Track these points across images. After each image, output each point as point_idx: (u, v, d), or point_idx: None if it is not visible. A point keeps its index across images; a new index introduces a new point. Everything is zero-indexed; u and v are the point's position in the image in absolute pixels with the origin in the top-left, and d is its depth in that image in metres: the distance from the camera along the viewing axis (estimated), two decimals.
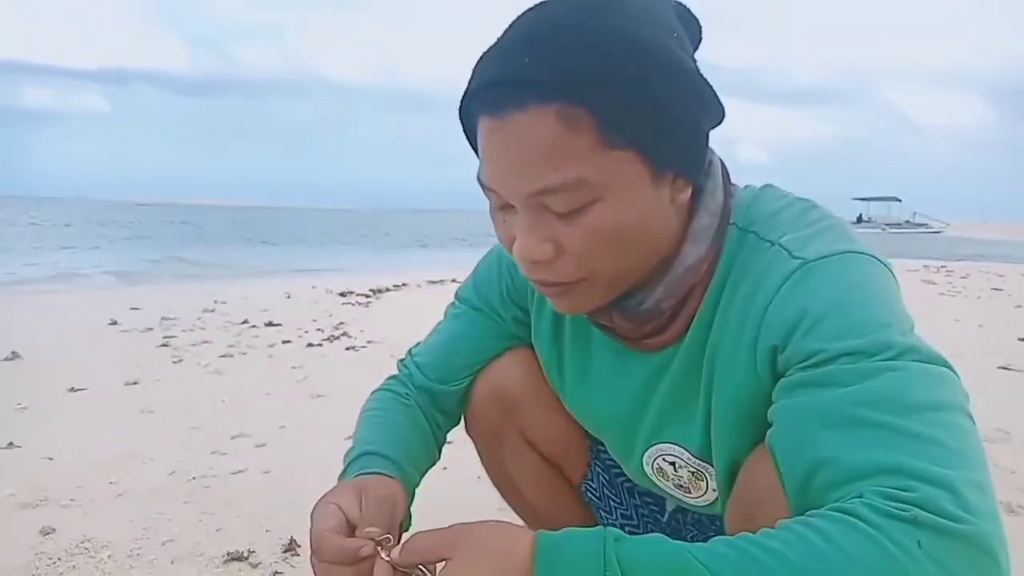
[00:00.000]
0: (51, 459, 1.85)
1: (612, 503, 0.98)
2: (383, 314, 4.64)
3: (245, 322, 4.09)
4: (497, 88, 0.59)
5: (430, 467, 0.86)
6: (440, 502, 0.94)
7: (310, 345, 3.49)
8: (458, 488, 1.47)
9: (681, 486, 0.81)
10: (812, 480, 0.54)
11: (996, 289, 6.67)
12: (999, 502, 0.52)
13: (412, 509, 0.77)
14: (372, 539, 0.61)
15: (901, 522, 0.47)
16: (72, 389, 2.57)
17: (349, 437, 0.83)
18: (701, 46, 0.67)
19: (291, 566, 1.31)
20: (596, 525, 0.98)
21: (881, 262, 0.64)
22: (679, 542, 0.51)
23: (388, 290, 6.01)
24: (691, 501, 0.82)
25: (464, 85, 0.63)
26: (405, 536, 0.58)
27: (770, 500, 0.58)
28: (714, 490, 0.77)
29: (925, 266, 9.71)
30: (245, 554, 1.33)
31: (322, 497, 0.67)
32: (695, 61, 0.64)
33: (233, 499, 1.61)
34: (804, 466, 0.55)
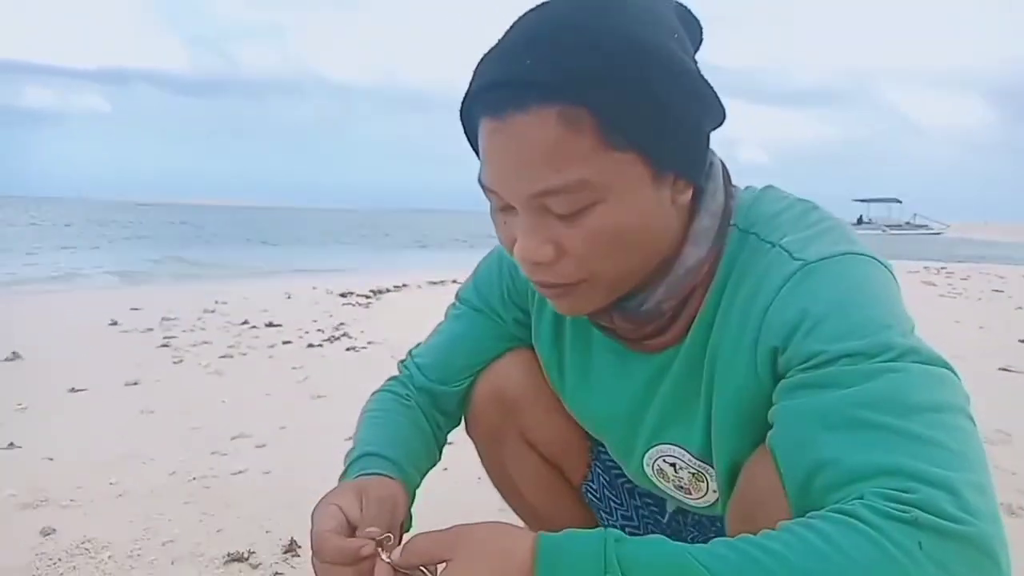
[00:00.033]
0: (51, 459, 1.85)
1: (612, 504, 0.98)
2: (383, 315, 4.64)
3: (245, 322, 4.09)
4: (498, 89, 0.59)
5: (431, 468, 0.86)
6: (441, 503, 0.94)
7: (310, 346, 3.49)
8: (459, 489, 1.47)
9: (681, 487, 0.81)
10: (812, 481, 0.54)
11: (997, 291, 6.67)
12: (1000, 504, 0.52)
13: (413, 510, 0.77)
14: (373, 539, 0.61)
15: (902, 523, 0.47)
16: (72, 389, 2.57)
17: (349, 438, 0.83)
18: (702, 47, 0.67)
19: (291, 567, 1.31)
20: (597, 526, 0.98)
21: (881, 263, 0.64)
22: (679, 543, 0.51)
23: (388, 291, 6.01)
24: (691, 502, 0.82)
25: (465, 85, 0.63)
26: (406, 537, 0.58)
27: (771, 501, 0.58)
28: (714, 491, 0.77)
29: (925, 267, 9.72)
30: (245, 555, 1.33)
31: (322, 498, 0.68)
32: (696, 62, 0.64)
33: (233, 500, 1.61)
34: (804, 467, 0.55)
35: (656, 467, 0.81)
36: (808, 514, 0.51)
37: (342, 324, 4.11)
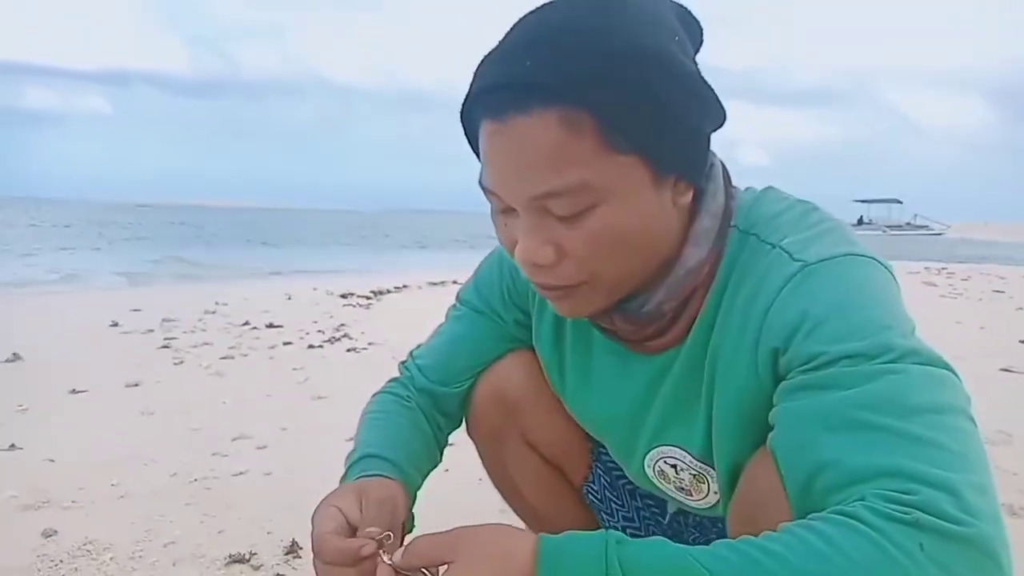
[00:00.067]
0: (52, 461, 1.85)
1: (613, 505, 0.98)
2: (384, 316, 4.64)
3: (246, 323, 4.09)
4: (499, 91, 0.59)
5: (432, 469, 0.86)
6: (442, 504, 0.94)
7: (311, 347, 3.50)
8: (460, 490, 1.47)
9: (682, 488, 0.81)
10: (813, 483, 0.54)
11: (997, 291, 6.67)
12: (1001, 504, 0.52)
13: (414, 511, 0.77)
14: (373, 538, 0.61)
15: (903, 525, 0.47)
16: (73, 391, 2.57)
17: (350, 439, 0.83)
18: (702, 48, 0.67)
19: (293, 568, 1.31)
20: (598, 527, 0.98)
21: (882, 264, 0.64)
22: (681, 545, 0.51)
23: (389, 292, 6.02)
24: (692, 503, 0.82)
25: (465, 86, 0.63)
26: (408, 539, 0.58)
27: (771, 502, 0.58)
28: (716, 492, 0.77)
29: (926, 268, 9.71)
30: (247, 556, 1.33)
31: (323, 500, 0.68)
32: (696, 64, 0.64)
33: (234, 501, 1.61)
34: (805, 469, 0.55)
35: (657, 468, 0.81)
36: (809, 516, 0.51)
37: (343, 325, 4.12)
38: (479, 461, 0.99)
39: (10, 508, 1.55)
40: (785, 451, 0.58)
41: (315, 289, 6.05)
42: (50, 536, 1.41)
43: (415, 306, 5.03)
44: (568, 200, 0.59)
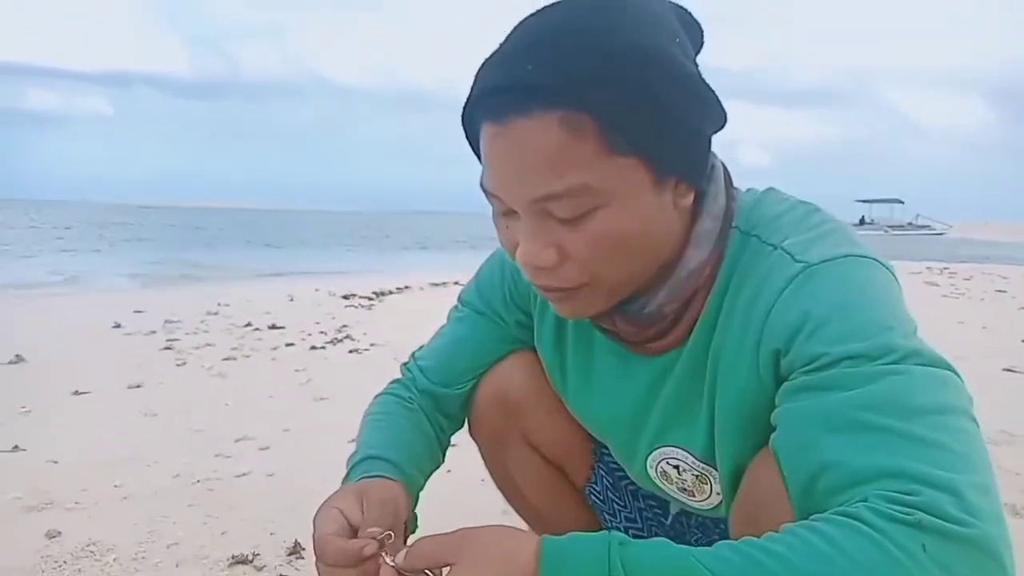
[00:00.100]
0: (55, 462, 1.85)
1: (616, 506, 0.98)
2: (386, 317, 4.65)
3: (248, 325, 4.10)
4: (500, 94, 0.59)
5: (434, 470, 0.86)
6: (444, 505, 0.94)
7: (313, 348, 3.50)
8: (462, 491, 1.47)
9: (685, 489, 0.81)
10: (816, 484, 0.54)
11: (1000, 291, 6.66)
12: (1004, 504, 0.52)
13: (416, 511, 0.77)
14: (374, 538, 0.61)
15: (905, 526, 0.47)
16: (76, 392, 2.58)
17: (352, 440, 0.83)
18: (702, 49, 0.67)
19: (295, 569, 1.31)
20: (600, 528, 0.98)
21: (883, 265, 0.64)
22: (683, 546, 0.51)
23: (391, 293, 6.02)
24: (695, 504, 0.82)
25: (466, 86, 0.63)
26: (411, 540, 0.59)
27: (774, 503, 0.58)
28: (718, 493, 0.77)
29: (928, 268, 9.70)
30: (250, 557, 1.33)
31: (324, 502, 0.68)
32: (697, 65, 0.64)
33: (237, 502, 1.62)
34: (808, 470, 0.55)
35: (659, 469, 0.81)
36: (811, 517, 0.51)
37: (345, 326, 4.12)
38: (481, 462, 0.99)
39: (14, 509, 1.56)
40: (787, 452, 0.58)
41: (317, 290, 6.06)
42: (54, 537, 1.42)
43: (417, 307, 5.03)
44: (569, 203, 0.59)
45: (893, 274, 0.65)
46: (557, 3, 0.62)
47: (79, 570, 1.30)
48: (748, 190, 0.74)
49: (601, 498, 0.99)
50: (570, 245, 0.62)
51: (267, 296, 5.61)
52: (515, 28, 0.62)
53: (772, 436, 0.60)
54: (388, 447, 0.79)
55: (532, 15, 0.62)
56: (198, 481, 1.74)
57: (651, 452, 0.80)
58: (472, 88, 0.62)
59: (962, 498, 0.48)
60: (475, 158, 0.66)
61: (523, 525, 1.02)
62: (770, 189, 0.74)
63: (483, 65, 0.62)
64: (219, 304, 4.92)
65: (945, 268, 9.84)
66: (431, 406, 0.89)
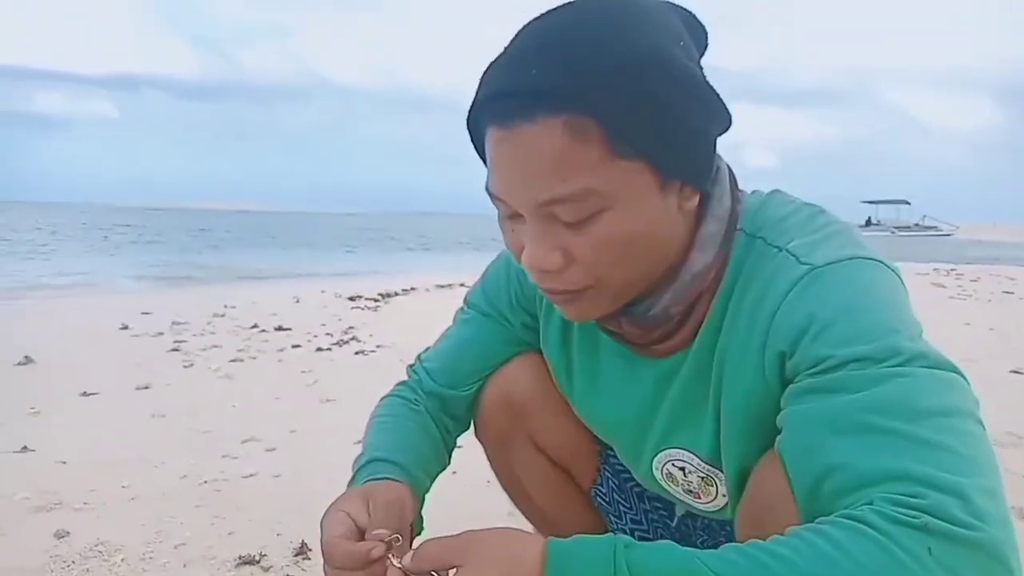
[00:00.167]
0: (64, 463, 1.86)
1: (622, 508, 0.99)
2: (392, 318, 4.65)
3: (255, 326, 4.11)
4: (505, 99, 0.59)
5: (440, 472, 0.87)
6: (450, 506, 0.95)
7: (319, 349, 3.51)
8: (468, 492, 1.47)
9: (691, 491, 0.81)
10: (821, 486, 0.54)
11: (1007, 292, 6.62)
12: (1011, 507, 0.52)
13: (423, 513, 0.78)
14: (382, 540, 0.62)
15: (911, 529, 0.47)
16: (84, 393, 2.59)
17: (358, 441, 0.84)
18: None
19: (302, 570, 1.32)
20: (606, 530, 0.98)
21: (889, 267, 0.64)
22: (689, 548, 0.51)
23: (397, 294, 6.03)
24: (700, 506, 0.82)
25: (467, 85, 0.63)
26: (416, 542, 0.59)
27: (780, 506, 0.58)
28: (724, 495, 0.77)
29: (935, 269, 9.65)
30: (257, 557, 1.34)
31: (331, 505, 0.68)
32: (701, 68, 0.64)
33: (244, 503, 1.62)
34: (813, 472, 0.55)
35: (665, 471, 0.81)
36: (817, 519, 0.51)
37: (351, 328, 4.13)
38: (487, 464, 0.99)
39: (23, 509, 1.57)
40: (793, 454, 0.58)
41: (323, 292, 6.07)
42: (62, 537, 1.43)
43: (423, 308, 5.04)
44: (574, 206, 0.59)
45: (899, 276, 0.65)
46: (562, 7, 0.62)
47: (87, 570, 1.31)
48: (753, 192, 0.74)
49: (607, 500, 0.99)
50: (575, 248, 0.62)
51: (273, 298, 5.63)
52: (520, 32, 0.62)
53: (778, 438, 0.60)
54: (394, 449, 0.79)
55: (537, 19, 0.62)
56: (205, 482, 1.75)
57: (657, 454, 0.80)
58: (477, 92, 0.62)
59: (968, 501, 0.48)
60: (477, 159, 0.66)
61: (529, 527, 1.02)
62: (775, 191, 0.74)
63: (488, 69, 0.62)
64: (226, 306, 4.94)
65: (952, 269, 9.79)
66: (437, 408, 0.89)
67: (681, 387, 0.74)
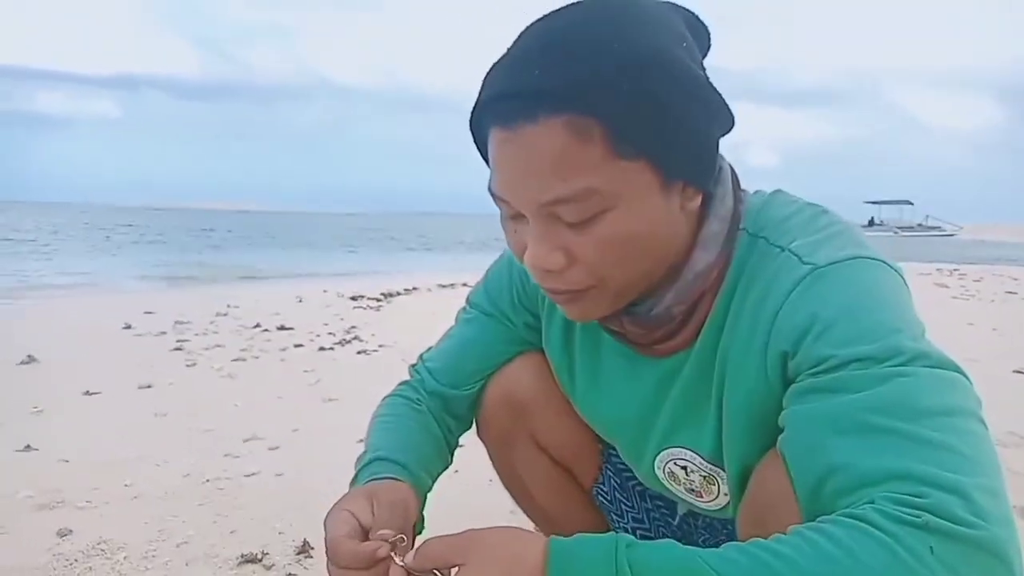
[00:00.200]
0: (67, 461, 1.87)
1: (623, 507, 0.99)
2: (394, 318, 4.66)
3: (257, 326, 4.12)
4: (508, 100, 0.59)
5: (442, 471, 0.87)
6: (452, 505, 0.95)
7: (322, 349, 3.51)
8: (470, 491, 1.47)
9: (693, 490, 0.81)
10: (823, 486, 0.54)
11: (1010, 292, 6.61)
12: (1013, 507, 0.52)
13: (424, 512, 0.78)
14: (386, 540, 0.62)
15: (913, 528, 0.47)
16: (87, 392, 2.60)
17: (361, 440, 0.84)
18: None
19: (304, 568, 1.32)
20: (607, 529, 0.98)
21: (891, 267, 0.64)
22: (690, 547, 0.51)
23: (399, 294, 6.04)
24: (702, 505, 0.82)
25: (467, 85, 0.63)
26: (418, 540, 0.59)
27: (781, 505, 0.59)
28: (726, 494, 0.77)
29: (938, 269, 9.64)
30: (259, 556, 1.34)
31: (334, 504, 0.68)
32: (704, 69, 0.64)
33: (246, 501, 1.63)
34: (815, 472, 0.55)
35: (667, 470, 0.81)
36: (819, 518, 0.51)
37: (353, 327, 4.13)
38: (489, 463, 1.00)
39: (26, 508, 1.57)
40: (795, 454, 0.58)
41: (325, 291, 6.08)
42: (65, 536, 1.43)
43: (425, 308, 5.04)
44: (577, 206, 0.60)
45: (901, 276, 0.65)
46: (564, 8, 0.62)
47: (90, 568, 1.31)
48: (756, 192, 0.74)
49: (608, 499, 0.99)
50: (577, 248, 0.62)
51: (276, 297, 5.64)
52: (522, 33, 0.62)
53: (780, 438, 0.60)
54: (396, 449, 0.80)
55: (540, 20, 0.62)
56: (208, 481, 1.75)
57: (659, 453, 0.80)
58: (480, 93, 0.62)
59: (970, 500, 0.48)
60: (478, 159, 0.66)
61: (530, 526, 1.02)
62: (778, 191, 0.74)
63: (491, 70, 0.62)
64: (228, 305, 4.95)
65: (955, 270, 9.78)
66: (439, 407, 0.90)
67: (683, 386, 0.75)
